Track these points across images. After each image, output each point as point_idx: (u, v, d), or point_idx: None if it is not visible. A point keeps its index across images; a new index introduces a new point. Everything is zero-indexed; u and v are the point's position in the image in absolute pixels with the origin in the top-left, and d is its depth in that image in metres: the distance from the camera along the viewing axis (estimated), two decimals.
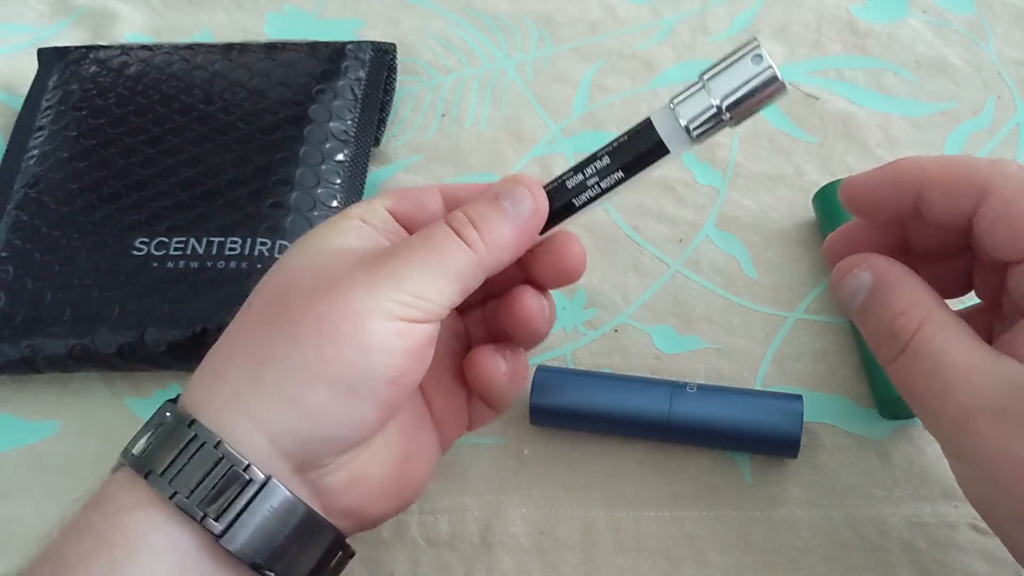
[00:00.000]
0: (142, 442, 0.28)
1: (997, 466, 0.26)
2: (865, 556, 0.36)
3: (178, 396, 0.30)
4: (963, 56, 0.51)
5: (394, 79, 0.50)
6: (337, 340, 0.27)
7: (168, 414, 0.28)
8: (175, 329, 0.40)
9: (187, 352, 0.40)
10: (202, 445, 0.27)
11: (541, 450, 0.39)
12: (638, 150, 0.30)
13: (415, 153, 0.49)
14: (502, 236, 0.30)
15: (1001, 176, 0.28)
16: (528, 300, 0.33)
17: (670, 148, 0.30)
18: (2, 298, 0.41)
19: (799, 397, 0.37)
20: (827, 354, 0.41)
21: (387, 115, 0.49)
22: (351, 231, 0.31)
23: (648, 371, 0.41)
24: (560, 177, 0.31)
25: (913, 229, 0.32)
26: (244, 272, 0.41)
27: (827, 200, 0.44)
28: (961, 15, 0.52)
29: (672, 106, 0.29)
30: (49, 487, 0.40)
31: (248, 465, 0.27)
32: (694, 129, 0.29)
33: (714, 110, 0.29)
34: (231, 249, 0.42)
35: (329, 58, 0.48)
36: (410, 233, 0.32)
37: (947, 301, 0.29)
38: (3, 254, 0.43)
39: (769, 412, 0.37)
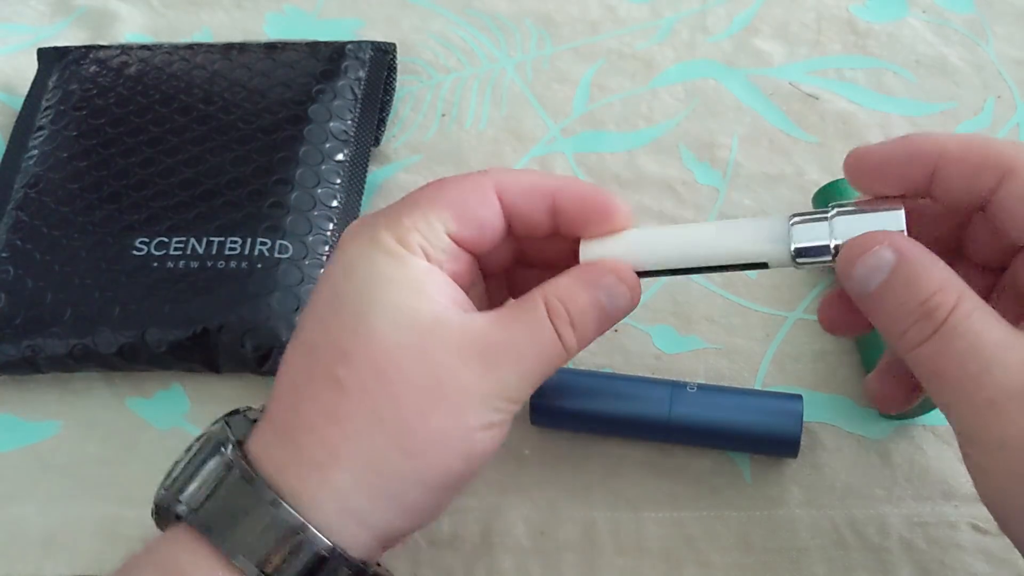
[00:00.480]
0: (238, 529, 0.27)
1: None
2: (865, 556, 0.36)
3: (241, 444, 0.29)
4: (963, 56, 0.51)
5: (394, 79, 0.50)
6: (449, 456, 0.28)
7: (273, 509, 0.27)
8: (176, 329, 0.40)
9: (188, 352, 0.40)
10: (313, 554, 0.27)
11: (542, 451, 0.39)
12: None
13: (415, 153, 0.49)
14: (594, 334, 0.30)
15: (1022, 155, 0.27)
16: None
17: (768, 263, 0.30)
18: (3, 298, 0.41)
19: (799, 397, 0.37)
20: (827, 354, 0.41)
21: (387, 115, 0.49)
22: (425, 283, 0.29)
23: (648, 371, 0.41)
24: (655, 272, 0.32)
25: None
26: (244, 272, 0.41)
27: (827, 200, 0.44)
28: (961, 15, 0.52)
29: (790, 223, 0.29)
30: (51, 487, 0.40)
31: (336, 550, 0.27)
32: (798, 257, 0.29)
33: (828, 247, 0.29)
34: (231, 249, 0.42)
35: (329, 58, 0.48)
36: (469, 251, 0.31)
37: None
38: (3, 254, 0.43)
39: (769, 412, 0.37)
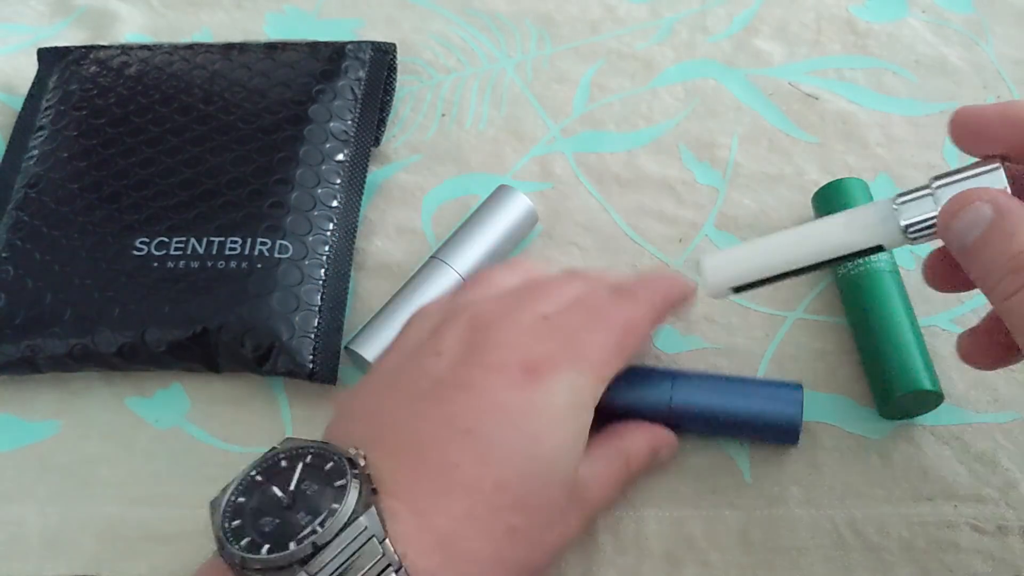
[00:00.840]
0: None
1: None
2: (865, 556, 0.36)
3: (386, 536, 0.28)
4: (963, 56, 0.51)
5: (394, 79, 0.50)
6: (545, 563, 0.33)
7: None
8: (176, 329, 0.40)
9: (188, 352, 0.40)
10: None
11: None
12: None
13: (415, 153, 0.49)
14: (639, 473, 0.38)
15: None
16: None
17: (884, 245, 0.31)
18: (2, 298, 0.41)
19: (799, 385, 0.38)
20: (827, 354, 0.41)
21: (387, 115, 0.49)
22: (584, 438, 0.33)
23: None
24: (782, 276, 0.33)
25: None
26: (244, 272, 0.41)
27: (827, 200, 0.44)
28: (961, 15, 0.52)
29: (895, 206, 0.30)
30: (51, 488, 0.40)
31: None
32: (909, 232, 0.30)
33: (935, 217, 0.30)
34: (231, 249, 0.42)
35: (329, 58, 0.48)
36: None
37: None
38: (3, 254, 0.43)
39: (770, 398, 0.37)
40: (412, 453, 0.30)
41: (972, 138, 0.30)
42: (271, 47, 0.49)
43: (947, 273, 0.34)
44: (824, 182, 0.44)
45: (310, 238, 0.43)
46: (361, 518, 0.28)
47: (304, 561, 0.27)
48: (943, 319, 0.42)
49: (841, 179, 0.44)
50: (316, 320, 0.41)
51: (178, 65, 0.48)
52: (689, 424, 0.38)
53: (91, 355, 0.40)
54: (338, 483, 0.28)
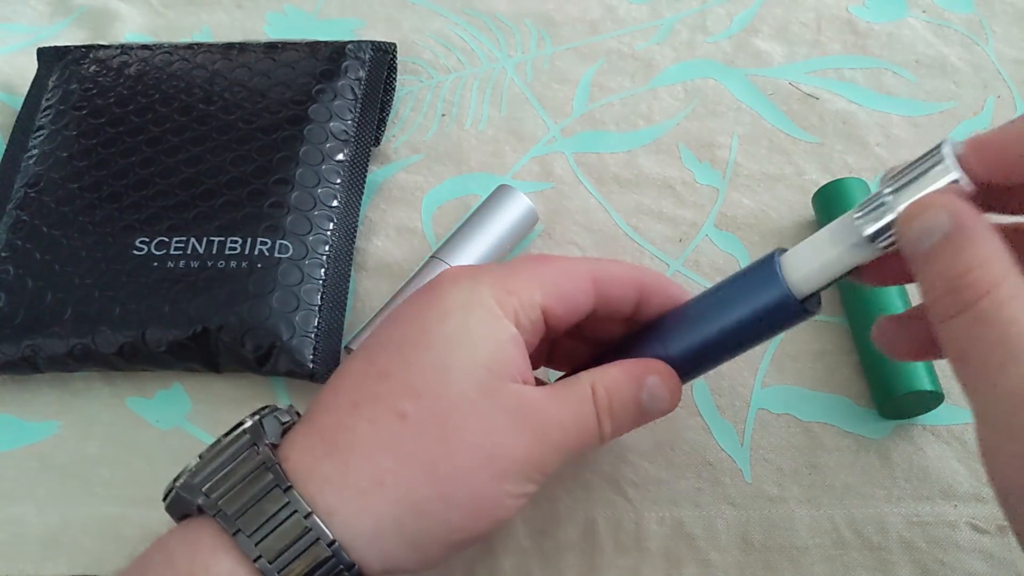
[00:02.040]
0: (267, 533, 0.28)
1: None
2: (865, 556, 0.36)
3: (273, 440, 0.30)
4: (963, 56, 0.51)
5: (394, 79, 0.50)
6: (481, 513, 0.29)
7: (306, 521, 0.28)
8: (176, 328, 0.40)
9: (188, 352, 0.40)
10: (338, 569, 0.28)
11: None
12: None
13: (415, 153, 0.49)
14: (628, 427, 0.32)
15: None
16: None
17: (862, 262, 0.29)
18: (2, 298, 0.41)
19: (770, 255, 0.31)
20: (826, 354, 0.41)
21: (387, 115, 0.49)
22: (509, 349, 0.31)
23: None
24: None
25: None
26: (244, 271, 0.41)
27: (827, 200, 0.44)
28: (961, 15, 0.52)
29: (854, 221, 0.29)
30: (51, 487, 0.40)
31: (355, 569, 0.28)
32: (876, 241, 0.28)
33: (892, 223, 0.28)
34: (231, 248, 0.42)
35: (329, 58, 0.48)
36: (550, 326, 0.32)
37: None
38: (3, 254, 0.43)
39: (748, 288, 0.32)
40: (325, 392, 0.31)
41: (991, 166, 0.28)
42: (271, 47, 0.49)
43: (897, 341, 0.32)
44: (824, 182, 0.44)
45: (310, 238, 0.43)
46: (246, 423, 0.30)
47: (194, 473, 0.29)
48: None
49: (841, 179, 0.44)
50: (316, 320, 0.41)
51: (178, 65, 0.48)
52: (694, 367, 0.34)
53: (91, 355, 0.40)
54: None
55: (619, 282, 0.33)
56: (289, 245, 0.42)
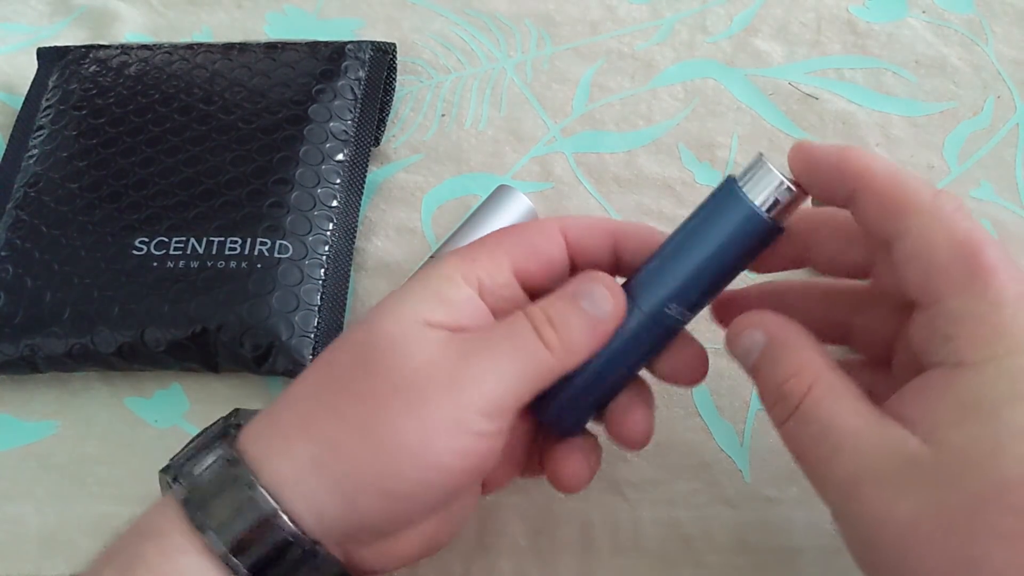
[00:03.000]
0: (203, 486, 0.28)
1: (880, 531, 0.25)
2: None
3: (239, 423, 0.30)
4: (963, 56, 0.51)
5: (394, 79, 0.50)
6: (402, 455, 0.27)
7: (235, 471, 0.28)
8: (175, 328, 0.40)
9: (187, 352, 0.40)
10: (260, 513, 0.27)
11: None
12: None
13: (415, 153, 0.49)
14: (580, 339, 0.30)
15: (933, 214, 0.27)
16: (637, 416, 0.33)
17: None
18: (2, 297, 0.41)
19: (731, 177, 0.30)
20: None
21: (387, 115, 0.49)
22: (466, 307, 0.30)
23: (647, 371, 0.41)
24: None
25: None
26: (244, 271, 0.41)
27: None
28: (961, 15, 0.52)
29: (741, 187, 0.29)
30: (49, 487, 0.40)
31: (300, 535, 0.27)
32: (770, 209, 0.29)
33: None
34: (231, 249, 0.42)
35: (329, 58, 0.48)
36: (532, 287, 0.31)
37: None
38: (3, 253, 0.43)
39: (714, 216, 0.31)
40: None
41: (806, 175, 0.30)
42: (271, 47, 0.49)
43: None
44: None
45: (310, 238, 0.43)
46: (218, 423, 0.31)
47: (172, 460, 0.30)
48: None
49: None
50: (316, 320, 0.41)
51: (178, 65, 0.48)
52: (680, 312, 0.31)
53: (90, 355, 0.40)
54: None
55: (590, 231, 0.32)
56: (289, 245, 0.42)
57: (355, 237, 0.44)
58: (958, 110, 0.49)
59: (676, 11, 0.54)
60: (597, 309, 0.30)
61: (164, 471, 0.30)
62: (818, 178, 0.29)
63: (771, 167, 0.29)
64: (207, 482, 0.28)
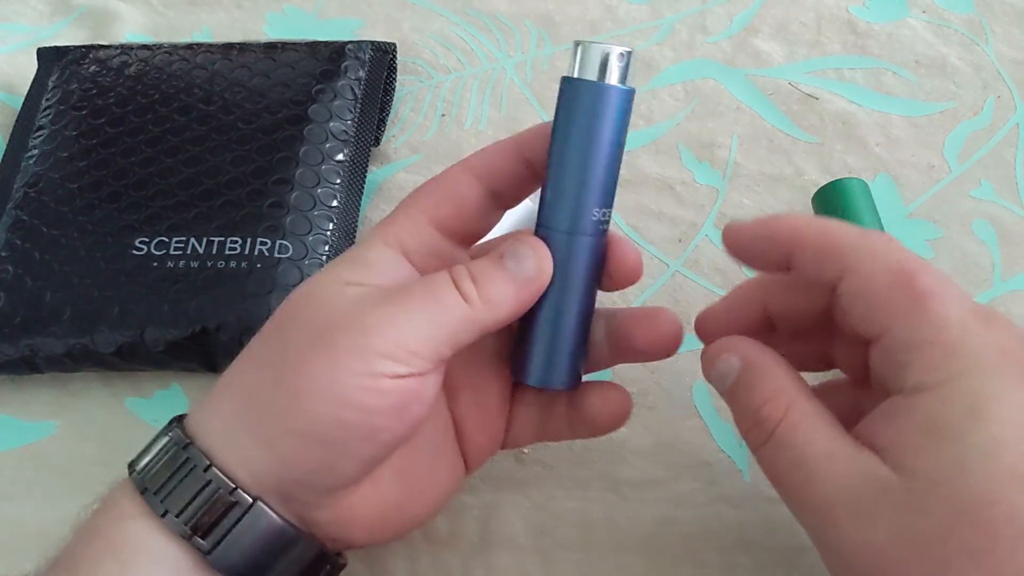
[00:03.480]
0: (148, 457, 0.30)
1: (856, 557, 0.26)
2: None
3: (187, 413, 0.31)
4: (963, 56, 0.51)
5: (394, 79, 0.50)
6: (312, 393, 0.27)
7: (170, 434, 0.29)
8: (175, 329, 0.40)
9: (187, 352, 0.40)
10: (193, 468, 0.28)
11: (540, 450, 0.39)
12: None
13: (415, 153, 0.49)
14: (501, 294, 0.29)
15: (865, 251, 0.28)
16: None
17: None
18: (2, 297, 0.41)
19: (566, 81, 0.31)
20: None
21: (387, 115, 0.49)
22: (385, 267, 0.30)
23: (647, 371, 0.41)
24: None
25: (778, 301, 0.32)
26: (244, 271, 0.41)
27: (827, 200, 0.44)
28: (961, 15, 0.52)
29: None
30: (48, 487, 0.40)
31: (235, 489, 0.28)
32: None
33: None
34: (231, 249, 0.42)
35: (329, 58, 0.48)
36: (456, 234, 0.32)
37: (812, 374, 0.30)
38: (3, 253, 0.43)
39: (572, 116, 0.30)
40: None
41: (741, 254, 0.31)
42: (271, 47, 0.49)
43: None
44: (824, 182, 0.44)
45: (310, 238, 0.43)
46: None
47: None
48: None
49: (841, 179, 0.44)
50: None
51: (178, 65, 0.48)
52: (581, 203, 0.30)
53: (90, 355, 0.40)
54: None
55: (493, 156, 0.32)
56: (289, 245, 0.42)
57: (355, 237, 0.44)
58: (958, 110, 0.49)
59: (676, 11, 0.54)
60: (520, 267, 0.30)
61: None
62: (754, 253, 0.31)
63: (590, 44, 0.29)
64: (150, 453, 0.30)
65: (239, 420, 0.28)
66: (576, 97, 0.30)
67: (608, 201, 0.31)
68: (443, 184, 0.32)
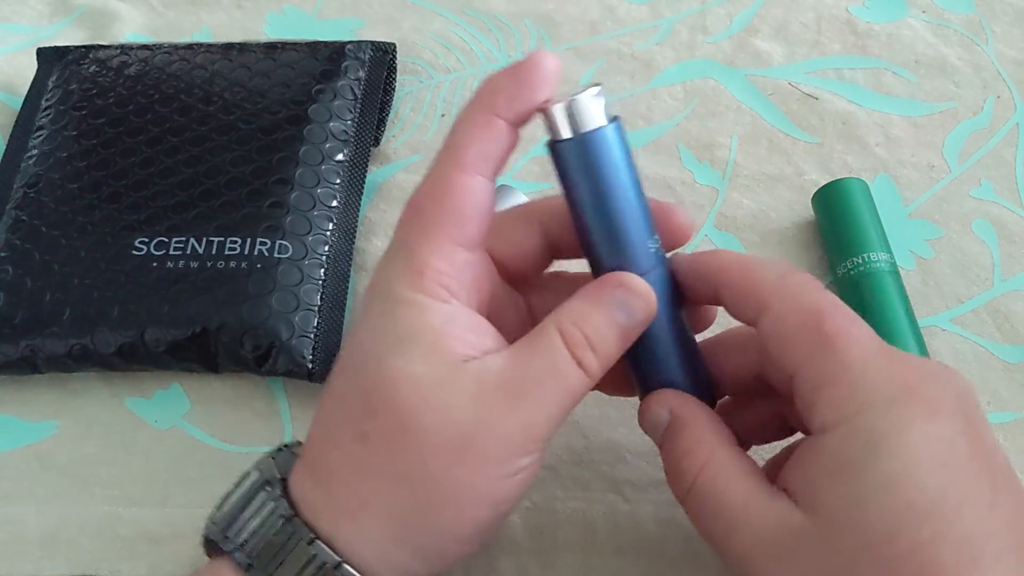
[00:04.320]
0: (255, 545, 0.28)
1: None
2: None
3: (284, 482, 0.30)
4: (963, 56, 0.51)
5: (394, 79, 0.50)
6: (475, 506, 0.28)
7: (299, 536, 0.28)
8: (175, 329, 0.40)
9: (187, 352, 0.40)
10: None
11: None
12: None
13: (415, 153, 0.49)
14: (615, 351, 0.29)
15: (781, 292, 0.29)
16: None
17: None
18: (1, 298, 0.41)
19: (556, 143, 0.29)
20: None
21: (387, 115, 0.49)
22: (443, 332, 0.28)
23: None
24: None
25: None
26: (244, 272, 0.41)
27: (826, 200, 0.44)
28: (961, 15, 0.52)
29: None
30: (49, 488, 0.40)
31: None
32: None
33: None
34: (231, 249, 0.42)
35: (329, 58, 0.48)
36: (502, 269, 0.32)
37: None
38: (3, 254, 0.42)
39: (581, 169, 0.29)
40: (312, 424, 0.31)
41: (682, 287, 0.31)
42: (271, 47, 0.49)
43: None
44: (824, 182, 0.44)
45: (310, 238, 0.43)
46: (253, 472, 0.30)
47: (215, 520, 0.30)
48: (943, 319, 0.42)
49: (841, 179, 0.44)
50: (316, 320, 0.41)
51: (178, 65, 0.48)
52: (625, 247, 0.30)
53: (90, 355, 0.40)
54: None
55: (557, 224, 0.32)
56: (289, 245, 0.42)
57: (355, 237, 0.44)
58: (958, 110, 0.49)
59: (676, 11, 0.54)
60: (634, 319, 0.29)
61: (212, 532, 0.30)
62: (690, 287, 0.31)
63: (555, 105, 0.28)
64: (275, 551, 0.28)
65: (397, 543, 0.28)
66: (584, 152, 0.29)
67: (652, 228, 0.30)
68: (461, 200, 0.29)
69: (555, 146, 0.29)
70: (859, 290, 0.40)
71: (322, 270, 0.42)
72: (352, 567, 0.27)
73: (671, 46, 0.52)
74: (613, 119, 0.29)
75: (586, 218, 0.29)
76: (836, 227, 0.43)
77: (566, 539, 0.37)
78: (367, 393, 0.28)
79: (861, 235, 0.42)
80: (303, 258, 0.42)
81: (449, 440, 0.27)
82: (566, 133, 0.28)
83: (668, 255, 0.31)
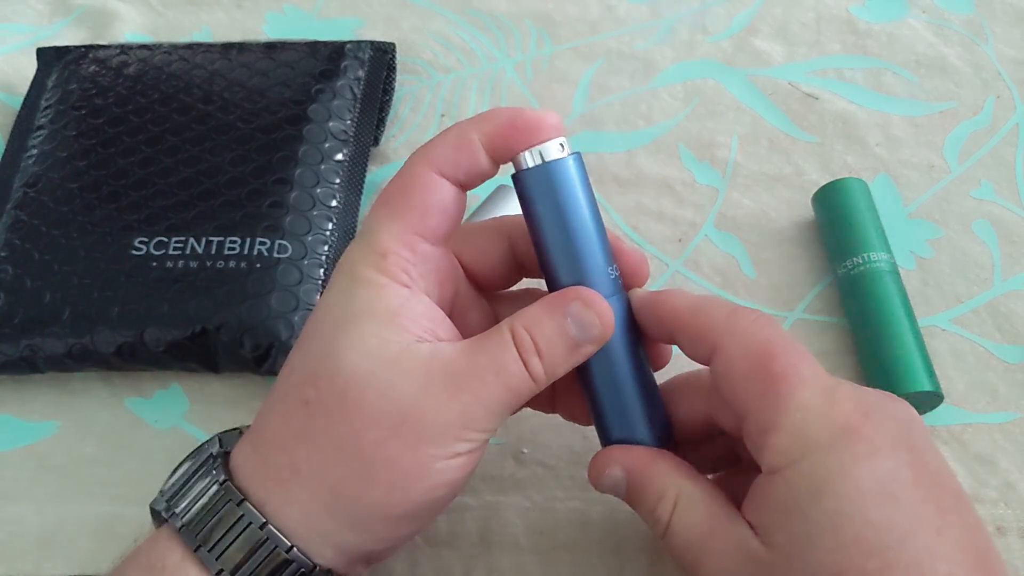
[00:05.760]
0: (219, 533, 0.29)
1: None
2: None
3: (227, 455, 0.30)
4: (963, 56, 0.51)
5: (393, 79, 0.50)
6: (407, 483, 0.28)
7: (229, 499, 0.29)
8: (174, 328, 0.40)
9: (186, 351, 0.40)
10: (274, 548, 0.28)
11: (540, 450, 0.39)
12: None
13: None
14: (564, 364, 0.30)
15: (731, 331, 0.29)
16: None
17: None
18: (1, 298, 0.41)
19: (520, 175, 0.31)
20: (827, 354, 0.41)
21: (386, 115, 0.49)
22: (399, 313, 0.29)
23: None
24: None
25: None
26: (243, 271, 0.41)
27: (826, 200, 0.44)
28: (961, 15, 0.52)
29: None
30: (49, 487, 0.40)
31: (316, 568, 0.29)
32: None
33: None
34: (230, 248, 0.42)
35: (328, 57, 0.48)
36: (470, 275, 0.33)
37: None
38: (2, 254, 0.42)
39: (545, 200, 0.31)
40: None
41: (641, 324, 0.32)
42: (270, 47, 0.49)
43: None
44: (824, 182, 0.44)
45: (309, 238, 0.42)
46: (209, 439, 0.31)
47: (162, 491, 0.31)
48: (943, 319, 0.42)
49: (841, 179, 0.44)
50: None
51: (177, 65, 0.48)
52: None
53: (90, 355, 0.40)
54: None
55: (452, 147, 0.31)
56: (288, 245, 0.42)
57: (354, 237, 0.44)
58: (958, 110, 0.49)
59: (676, 11, 0.54)
60: (586, 336, 0.30)
61: (158, 504, 0.31)
62: (649, 328, 0.31)
63: (524, 154, 0.30)
64: (207, 516, 0.29)
65: (329, 515, 0.28)
66: (535, 183, 0.30)
67: (611, 256, 0.31)
68: (424, 192, 0.30)
69: (520, 175, 0.30)
70: (859, 290, 0.40)
71: (322, 270, 0.42)
72: (278, 529, 0.28)
73: (671, 46, 0.52)
74: (574, 154, 0.30)
75: (548, 243, 0.31)
76: (836, 227, 0.43)
77: (566, 539, 0.37)
78: (315, 362, 0.29)
79: (861, 235, 0.42)
80: (302, 258, 0.42)
81: (386, 415, 0.28)
82: (531, 164, 0.30)
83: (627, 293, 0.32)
